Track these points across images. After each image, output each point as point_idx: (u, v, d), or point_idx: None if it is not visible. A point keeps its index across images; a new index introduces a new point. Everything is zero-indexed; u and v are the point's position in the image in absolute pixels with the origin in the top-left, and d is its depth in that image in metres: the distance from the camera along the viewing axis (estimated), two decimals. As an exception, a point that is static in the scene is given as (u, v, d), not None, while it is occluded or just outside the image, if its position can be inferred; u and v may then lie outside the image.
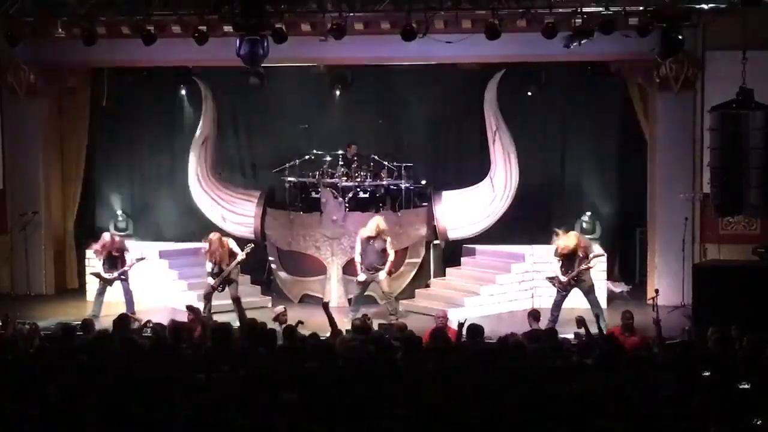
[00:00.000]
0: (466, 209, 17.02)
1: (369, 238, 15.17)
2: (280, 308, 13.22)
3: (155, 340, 10.81)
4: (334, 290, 16.36)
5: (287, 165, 17.11)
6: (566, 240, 14.35)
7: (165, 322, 12.40)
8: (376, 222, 15.15)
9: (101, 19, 14.67)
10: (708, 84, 15.57)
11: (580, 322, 12.33)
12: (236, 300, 14.98)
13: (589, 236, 16.02)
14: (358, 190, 16.64)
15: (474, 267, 16.97)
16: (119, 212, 18.21)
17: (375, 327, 12.84)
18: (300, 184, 17.01)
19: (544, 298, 15.53)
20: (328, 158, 16.94)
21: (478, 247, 17.12)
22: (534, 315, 12.97)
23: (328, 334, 11.80)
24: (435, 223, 16.97)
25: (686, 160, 15.93)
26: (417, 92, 17.61)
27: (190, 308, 13.03)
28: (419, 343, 10.49)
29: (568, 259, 14.34)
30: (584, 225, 16.96)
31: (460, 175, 17.47)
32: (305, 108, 17.89)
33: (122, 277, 15.38)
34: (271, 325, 12.10)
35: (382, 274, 15.16)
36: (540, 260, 16.14)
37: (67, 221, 17.76)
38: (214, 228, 16.46)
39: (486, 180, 17.09)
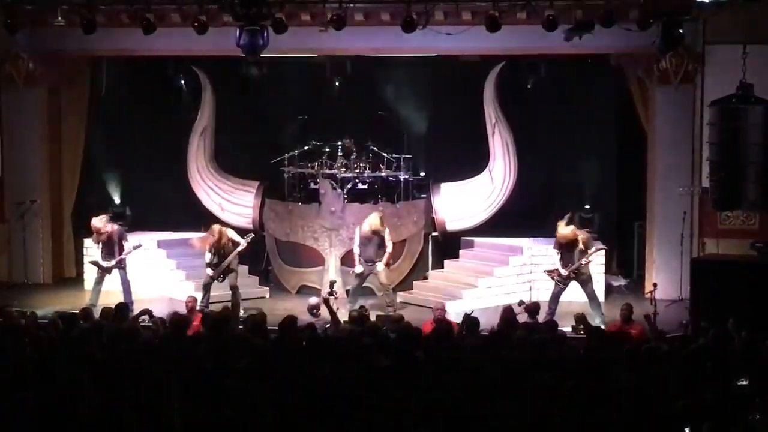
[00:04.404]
0: (464, 201, 17.02)
1: (367, 233, 15.14)
2: (314, 300, 13.15)
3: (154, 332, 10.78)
4: (332, 282, 16.35)
5: (286, 156, 17.11)
6: (563, 230, 14.33)
7: (163, 312, 12.43)
8: (374, 221, 15.10)
9: (101, 8, 14.65)
10: (708, 78, 15.55)
11: (579, 320, 12.34)
12: (234, 289, 14.94)
13: (587, 230, 15.99)
14: (357, 181, 16.65)
15: (472, 259, 16.96)
16: (117, 201, 18.20)
17: (372, 318, 12.83)
18: (299, 175, 17.01)
19: (542, 291, 15.52)
20: (327, 149, 16.95)
21: (476, 239, 17.12)
22: (529, 309, 12.94)
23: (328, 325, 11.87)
24: (433, 215, 16.97)
25: (685, 154, 15.91)
26: (416, 84, 17.59)
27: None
28: (418, 334, 10.51)
29: (567, 252, 14.34)
30: (583, 218, 16.93)
31: (459, 167, 17.44)
32: (304, 99, 17.87)
33: (120, 265, 15.34)
34: (306, 316, 12.21)
35: (380, 266, 15.16)
36: (538, 253, 16.16)
37: (65, 210, 17.74)
38: (213, 218, 16.47)
39: (485, 172, 17.09)
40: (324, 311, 12.55)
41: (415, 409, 7.86)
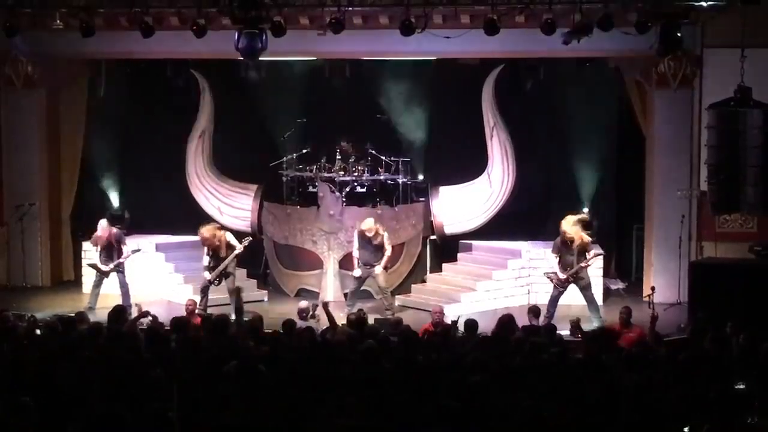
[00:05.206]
0: (463, 205, 17.02)
1: (366, 236, 15.15)
2: (304, 303, 13.13)
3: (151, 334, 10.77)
4: (330, 285, 16.34)
5: (284, 159, 17.12)
6: (569, 228, 14.31)
7: (161, 315, 12.43)
8: (371, 224, 15.11)
9: (99, 11, 14.64)
10: (706, 81, 15.55)
11: (575, 325, 12.33)
12: (233, 292, 14.92)
13: (587, 233, 15.99)
14: (356, 184, 16.65)
15: (470, 263, 16.97)
16: (116, 204, 18.20)
17: (371, 322, 12.82)
18: (297, 178, 17.01)
19: (541, 294, 15.52)
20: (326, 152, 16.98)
21: (474, 242, 17.12)
22: (534, 311, 12.99)
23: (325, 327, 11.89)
24: (432, 219, 16.96)
25: (684, 157, 15.92)
26: (415, 87, 17.58)
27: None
28: (417, 338, 10.53)
29: (566, 255, 14.34)
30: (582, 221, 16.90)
31: (457, 170, 17.44)
32: (303, 102, 17.87)
33: (119, 268, 15.35)
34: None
35: (378, 269, 15.16)
36: (537, 257, 16.16)
37: (64, 213, 17.74)
38: (211, 221, 16.47)
39: (483, 176, 17.09)
40: (321, 315, 12.55)
41: (416, 412, 7.87)
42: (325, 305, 12.51)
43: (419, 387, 8.44)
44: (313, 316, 12.72)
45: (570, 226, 14.34)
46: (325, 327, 12.05)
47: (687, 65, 15.60)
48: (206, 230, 15.00)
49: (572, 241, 14.29)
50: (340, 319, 12.73)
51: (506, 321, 11.49)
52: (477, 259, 16.96)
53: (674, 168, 15.98)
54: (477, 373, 8.52)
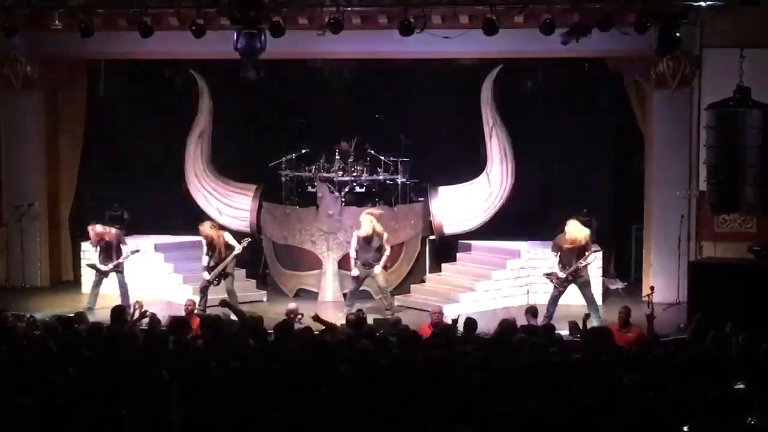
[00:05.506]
0: (462, 205, 17.02)
1: (365, 237, 15.15)
2: (292, 305, 13.10)
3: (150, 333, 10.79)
4: (330, 285, 16.35)
5: (284, 159, 17.12)
6: (579, 232, 14.36)
7: (160, 315, 12.43)
8: (370, 224, 15.10)
9: (98, 12, 14.63)
10: (705, 82, 15.54)
11: (574, 327, 12.34)
12: (230, 293, 14.93)
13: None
14: (355, 184, 16.65)
15: (469, 263, 16.96)
16: (115, 205, 18.18)
17: (370, 322, 12.81)
18: (296, 178, 17.01)
19: (540, 294, 15.53)
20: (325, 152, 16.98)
21: (473, 242, 17.11)
22: (532, 311, 12.99)
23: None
24: (431, 219, 16.96)
25: (683, 157, 15.92)
26: (414, 87, 17.59)
27: None
28: (417, 338, 10.52)
29: (566, 255, 14.36)
30: (580, 221, 16.89)
31: (456, 170, 17.44)
32: (302, 102, 17.87)
33: (118, 269, 15.36)
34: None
35: (377, 269, 15.16)
36: (536, 256, 16.16)
37: (63, 213, 17.73)
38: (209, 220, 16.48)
39: (482, 176, 17.08)
40: (306, 318, 12.49)
41: (416, 412, 7.87)
42: (316, 318, 12.34)
43: (419, 387, 8.45)
44: (299, 323, 12.64)
45: (578, 231, 14.37)
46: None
47: (686, 65, 15.59)
48: (207, 226, 15.06)
49: (586, 242, 14.36)
50: (339, 320, 12.73)
51: (508, 326, 11.50)
52: (476, 259, 16.96)
53: (673, 168, 15.97)
54: (477, 372, 8.53)
